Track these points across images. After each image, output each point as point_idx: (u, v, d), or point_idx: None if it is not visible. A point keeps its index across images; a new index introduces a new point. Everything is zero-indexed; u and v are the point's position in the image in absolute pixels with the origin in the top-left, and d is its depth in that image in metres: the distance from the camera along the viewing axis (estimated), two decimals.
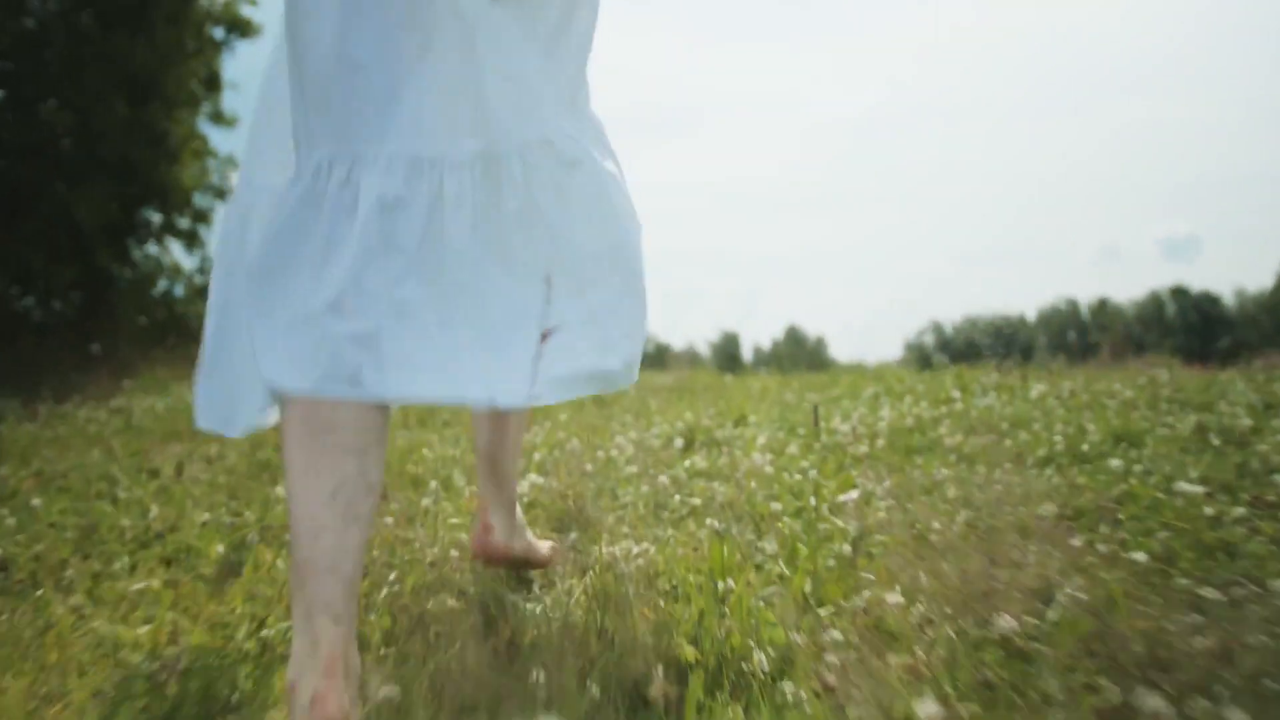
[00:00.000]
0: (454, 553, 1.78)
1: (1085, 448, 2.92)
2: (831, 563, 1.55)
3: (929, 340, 75.79)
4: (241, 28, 12.04)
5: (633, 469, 2.74)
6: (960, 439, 3.23)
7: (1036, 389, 4.50)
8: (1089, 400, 4.20)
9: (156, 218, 11.60)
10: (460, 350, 1.15)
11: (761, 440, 3.21)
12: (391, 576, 1.61)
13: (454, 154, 1.18)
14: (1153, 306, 68.92)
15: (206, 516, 2.18)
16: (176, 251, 12.30)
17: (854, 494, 2.22)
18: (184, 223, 11.96)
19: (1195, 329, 64.28)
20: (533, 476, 2.64)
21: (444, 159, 1.17)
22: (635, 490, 2.43)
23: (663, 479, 2.53)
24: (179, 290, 12.15)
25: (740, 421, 3.84)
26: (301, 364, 1.10)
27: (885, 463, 2.83)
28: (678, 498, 2.33)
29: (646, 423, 4.02)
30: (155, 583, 1.72)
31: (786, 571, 1.52)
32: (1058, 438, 2.99)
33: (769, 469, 2.69)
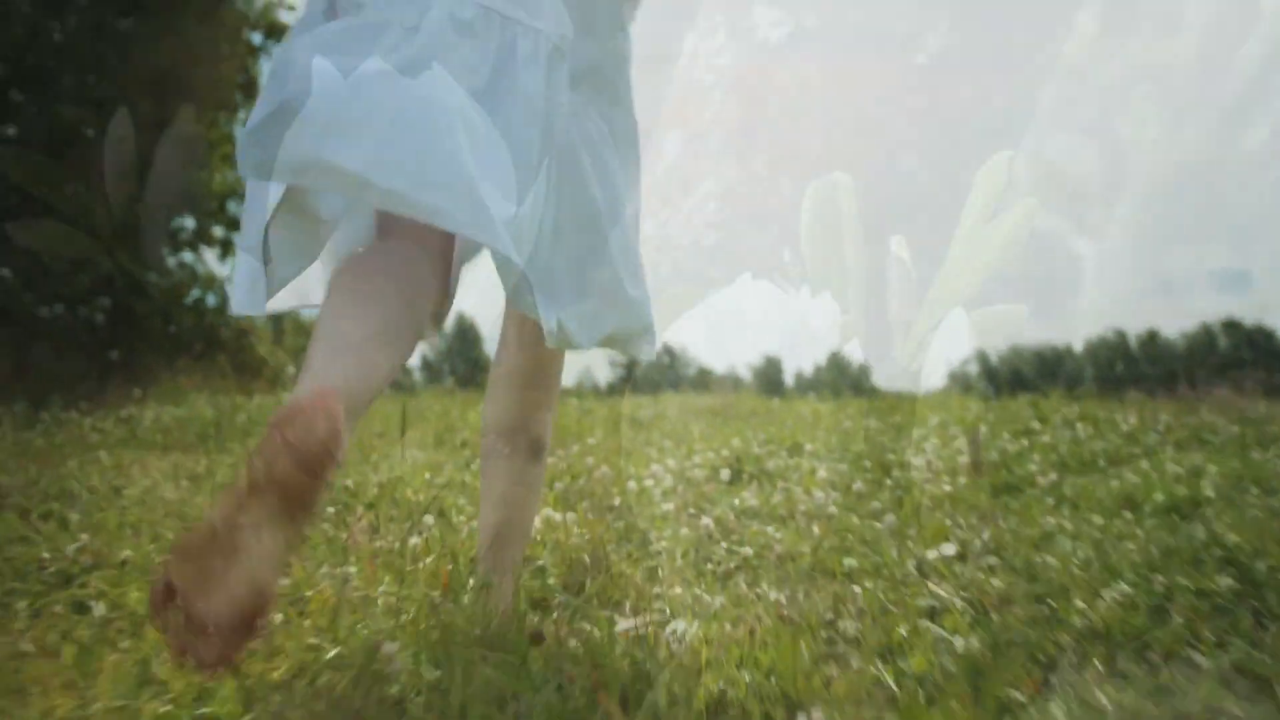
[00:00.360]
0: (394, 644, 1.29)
1: (1210, 493, 2.46)
2: (947, 659, 1.08)
3: (973, 369, 74.47)
4: (279, 33, 11.74)
5: (669, 506, 2.28)
6: (1055, 477, 2.76)
7: (1127, 422, 4.03)
8: (1188, 436, 3.72)
9: (190, 224, 11.33)
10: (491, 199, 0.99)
11: (821, 473, 2.74)
12: (330, 655, 1.16)
13: (530, 20, 1.07)
14: (1204, 340, 67.12)
15: (128, 553, 1.74)
16: (210, 260, 12.00)
17: (949, 548, 1.75)
18: (218, 230, 11.70)
19: (1247, 363, 62.49)
20: (548, 511, 2.19)
21: (517, 20, 1.06)
22: (672, 533, 1.97)
23: (705, 520, 2.07)
24: (211, 299, 11.89)
25: (795, 450, 3.36)
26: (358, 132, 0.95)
27: (972, 505, 2.36)
28: (724, 545, 1.86)
29: (688, 449, 3.55)
30: (26, 646, 1.29)
31: (887, 678, 1.05)
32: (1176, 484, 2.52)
33: (833, 509, 2.23)
